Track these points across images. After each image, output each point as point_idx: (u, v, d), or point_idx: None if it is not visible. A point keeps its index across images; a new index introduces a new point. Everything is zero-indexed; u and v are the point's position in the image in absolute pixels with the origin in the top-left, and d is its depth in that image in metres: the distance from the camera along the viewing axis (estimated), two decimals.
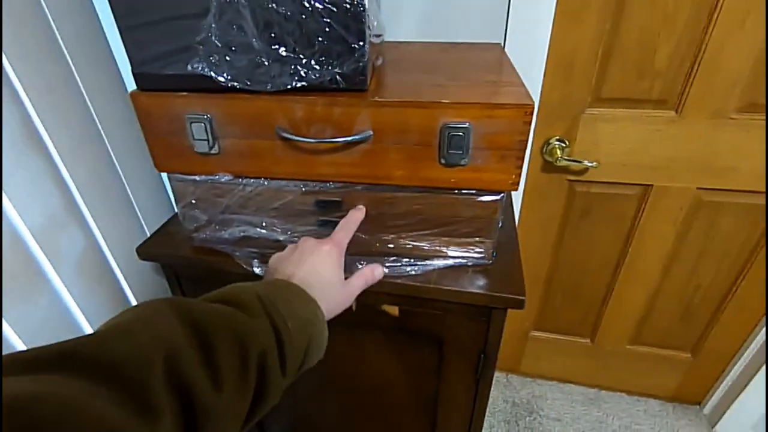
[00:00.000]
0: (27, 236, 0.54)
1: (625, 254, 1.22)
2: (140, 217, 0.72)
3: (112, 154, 0.66)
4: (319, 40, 0.46)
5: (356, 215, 0.55)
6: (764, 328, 1.22)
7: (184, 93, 0.50)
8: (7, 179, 0.51)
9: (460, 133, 0.49)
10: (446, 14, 0.89)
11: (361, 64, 0.48)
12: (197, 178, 0.56)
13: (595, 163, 1.03)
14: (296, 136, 0.50)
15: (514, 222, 0.77)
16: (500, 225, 0.59)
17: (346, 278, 0.49)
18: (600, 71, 0.95)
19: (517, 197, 1.14)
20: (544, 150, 1.08)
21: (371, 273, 0.53)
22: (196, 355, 0.29)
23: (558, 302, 1.37)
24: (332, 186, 0.55)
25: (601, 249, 1.23)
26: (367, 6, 0.46)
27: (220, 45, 0.47)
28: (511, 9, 0.85)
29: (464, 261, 0.61)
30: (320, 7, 0.45)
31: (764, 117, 0.94)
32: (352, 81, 0.49)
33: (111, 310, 0.67)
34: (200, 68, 0.48)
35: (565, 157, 1.03)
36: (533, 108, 0.47)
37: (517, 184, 0.53)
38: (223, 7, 0.45)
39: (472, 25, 0.89)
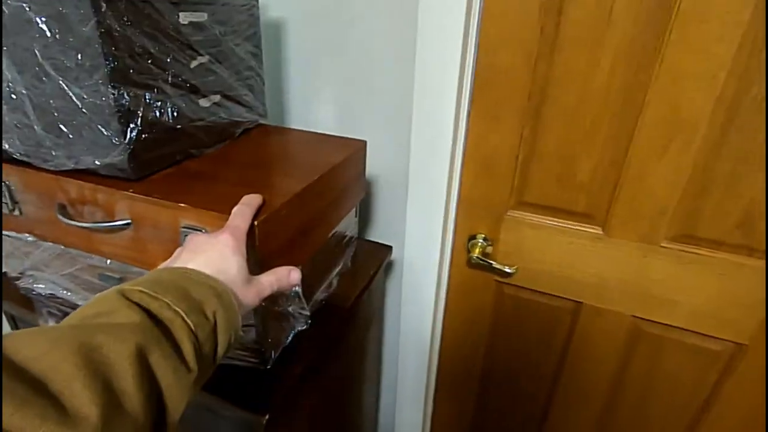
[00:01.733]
0: None
1: (560, 372, 1.09)
2: None
3: None
4: (85, 131, 0.50)
5: (254, 199, 0.47)
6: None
7: None
8: None
9: None
10: (354, 110, 0.91)
11: (122, 157, 0.50)
12: (9, 233, 0.61)
13: (512, 269, 0.95)
14: (64, 215, 0.53)
15: None
16: None
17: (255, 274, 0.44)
18: (521, 175, 0.90)
19: (441, 288, 1.08)
20: (469, 245, 1.02)
21: (287, 275, 0.46)
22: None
23: (495, 405, 1.24)
24: (111, 263, 0.57)
25: (535, 358, 1.11)
26: (129, 106, 0.49)
27: (9, 125, 0.52)
28: (414, 106, 0.85)
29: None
30: (81, 106, 0.48)
31: (700, 251, 0.82)
32: (118, 170, 0.51)
33: None
34: None
35: (479, 257, 0.97)
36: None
37: None
38: (8, 94, 0.50)
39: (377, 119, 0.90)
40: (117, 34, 0.46)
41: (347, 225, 0.78)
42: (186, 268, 0.38)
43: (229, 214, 0.45)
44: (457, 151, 0.90)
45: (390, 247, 0.88)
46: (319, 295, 0.70)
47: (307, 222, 0.57)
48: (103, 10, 0.44)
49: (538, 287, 1.00)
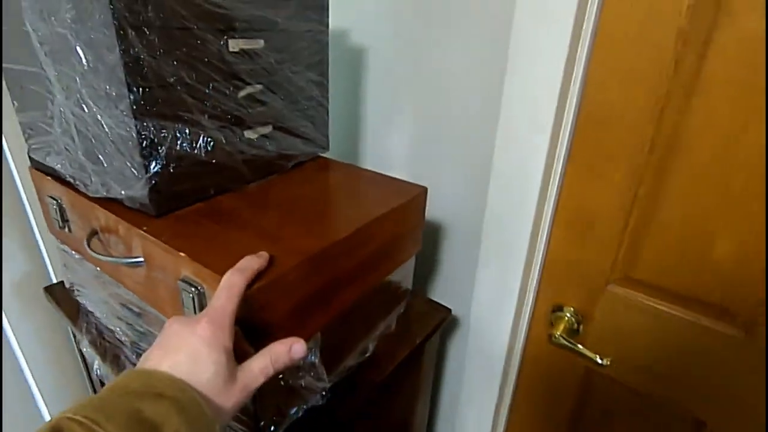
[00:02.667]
0: None
1: None
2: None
3: None
4: (115, 161, 0.47)
5: (252, 262, 0.40)
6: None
7: (48, 177, 0.57)
8: None
9: (191, 292, 0.42)
10: (429, 147, 0.81)
11: (143, 191, 0.47)
12: (63, 247, 0.63)
13: (606, 361, 0.75)
14: (92, 242, 0.51)
15: None
16: None
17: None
18: (631, 244, 0.71)
19: (513, 363, 0.91)
20: (552, 318, 0.84)
21: (286, 352, 0.38)
22: None
23: None
24: (132, 296, 0.54)
25: None
26: (154, 138, 0.45)
27: (61, 146, 0.52)
28: (497, 148, 0.71)
29: None
30: (110, 135, 0.46)
31: None
32: (140, 204, 0.48)
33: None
34: (45, 160, 0.54)
35: (563, 336, 0.78)
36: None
37: None
38: (59, 117, 0.50)
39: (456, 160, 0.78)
40: (145, 63, 0.43)
41: (398, 279, 0.67)
42: (150, 374, 0.32)
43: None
44: (546, 204, 0.74)
45: (448, 310, 0.75)
46: (350, 361, 0.60)
47: (328, 284, 0.48)
48: (129, 37, 0.41)
49: (643, 387, 0.77)
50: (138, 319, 0.56)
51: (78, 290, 0.66)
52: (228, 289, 0.37)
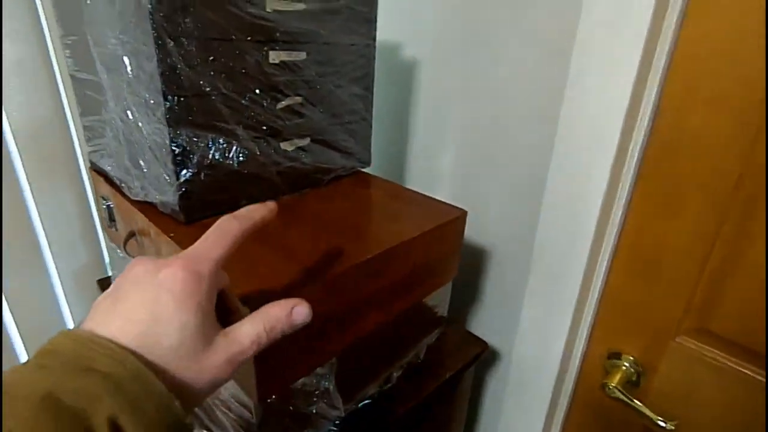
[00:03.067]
0: None
1: None
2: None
3: None
4: (152, 166, 0.49)
5: (256, 212, 0.32)
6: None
7: (102, 178, 0.61)
8: None
9: None
10: (478, 168, 0.76)
11: (174, 197, 0.47)
12: (111, 244, 0.66)
13: (671, 425, 0.65)
14: (129, 244, 0.53)
15: None
16: None
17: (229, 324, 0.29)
18: (710, 290, 0.61)
19: (559, 409, 0.82)
20: (608, 365, 0.75)
21: (283, 316, 0.30)
22: None
23: None
24: None
25: None
26: (186, 146, 0.46)
27: (112, 150, 0.55)
28: (551, 171, 0.65)
29: None
30: (148, 141, 0.47)
31: None
32: (171, 210, 0.49)
33: None
34: (99, 162, 0.57)
35: (619, 388, 0.69)
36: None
37: None
38: (110, 122, 0.53)
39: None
40: (181, 72, 0.43)
41: (431, 306, 0.63)
42: (82, 340, 0.24)
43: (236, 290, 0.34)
44: (606, 236, 0.67)
45: (485, 345, 0.69)
46: (370, 389, 0.56)
47: (347, 307, 0.45)
48: (167, 47, 0.42)
49: None
50: None
51: None
52: (219, 231, 0.29)
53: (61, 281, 0.80)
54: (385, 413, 0.56)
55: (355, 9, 0.58)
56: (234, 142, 0.50)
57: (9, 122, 0.68)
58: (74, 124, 0.74)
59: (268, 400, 0.42)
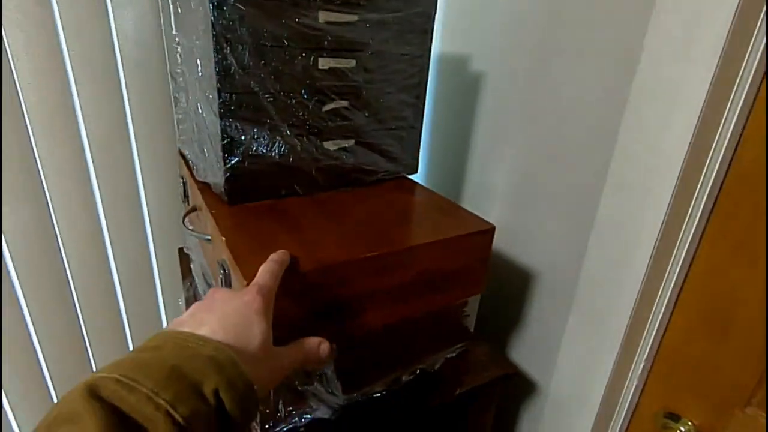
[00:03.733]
0: None
1: None
2: None
3: None
4: (211, 152, 0.57)
5: (281, 255, 0.42)
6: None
7: (183, 159, 0.72)
8: None
9: (221, 274, 0.47)
10: (530, 188, 0.72)
11: (221, 180, 0.55)
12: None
13: None
14: (183, 219, 0.62)
15: None
16: None
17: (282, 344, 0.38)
18: None
19: None
20: (660, 425, 0.66)
21: (316, 349, 0.40)
22: None
23: None
24: (208, 270, 0.63)
25: None
26: (234, 137, 0.53)
27: (188, 136, 0.65)
28: (603, 198, 0.60)
29: None
30: (208, 131, 0.55)
31: None
32: (221, 191, 0.56)
33: None
34: (182, 147, 0.68)
35: None
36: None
37: None
38: (187, 112, 0.63)
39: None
40: (235, 73, 0.50)
41: (453, 320, 0.62)
42: (185, 335, 0.32)
43: (255, 271, 0.40)
44: (664, 277, 0.59)
45: (513, 368, 0.66)
46: (376, 387, 0.58)
47: (349, 298, 0.48)
48: (224, 51, 0.49)
49: None
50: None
51: (190, 255, 0.81)
52: (271, 272, 0.39)
53: (155, 247, 0.96)
54: (386, 413, 0.57)
55: (410, 21, 0.61)
56: (278, 137, 0.56)
57: (131, 110, 0.84)
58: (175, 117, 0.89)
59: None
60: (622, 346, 0.62)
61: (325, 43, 0.55)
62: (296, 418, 0.53)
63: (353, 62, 0.58)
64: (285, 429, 0.52)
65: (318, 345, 0.41)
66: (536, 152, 0.71)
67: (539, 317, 0.75)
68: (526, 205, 0.74)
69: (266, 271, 0.40)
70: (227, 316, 0.34)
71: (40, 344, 0.91)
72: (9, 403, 0.91)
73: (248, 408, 0.31)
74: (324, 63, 0.56)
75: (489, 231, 0.57)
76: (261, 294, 0.36)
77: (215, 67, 0.49)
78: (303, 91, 0.56)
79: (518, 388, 0.80)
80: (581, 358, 0.68)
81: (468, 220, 0.58)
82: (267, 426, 0.51)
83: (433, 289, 0.55)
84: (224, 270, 0.47)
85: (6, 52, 0.72)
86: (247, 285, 0.40)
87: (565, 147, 0.65)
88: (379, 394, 0.58)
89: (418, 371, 0.62)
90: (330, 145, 0.61)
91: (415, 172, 0.73)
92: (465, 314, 0.64)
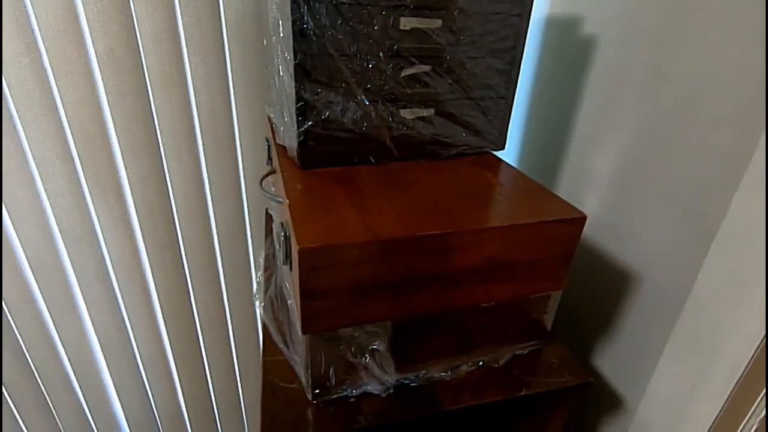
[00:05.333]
0: None
1: None
2: None
3: None
4: (288, 117, 0.57)
5: None
6: None
7: (269, 124, 0.74)
8: None
9: (281, 236, 0.47)
10: (638, 181, 0.61)
11: (294, 143, 0.55)
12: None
13: None
14: (261, 181, 0.64)
15: None
16: None
17: None
18: None
19: None
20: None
21: None
22: None
23: None
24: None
25: None
26: (308, 100, 0.52)
27: (273, 100, 0.67)
28: (732, 206, 0.48)
29: None
30: (285, 94, 0.55)
31: None
32: (294, 155, 0.57)
33: None
34: (268, 111, 0.70)
35: None
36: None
37: None
38: (272, 77, 0.64)
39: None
40: (312, 33, 0.49)
41: (526, 316, 0.57)
42: None
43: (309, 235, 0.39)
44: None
45: (588, 378, 0.58)
46: (432, 372, 0.55)
47: (404, 275, 0.45)
48: (302, 10, 0.47)
49: None
50: (279, 252, 0.67)
51: (273, 216, 0.84)
52: None
53: (248, 207, 1.04)
54: (435, 401, 0.54)
55: None
56: (352, 102, 0.54)
57: (232, 78, 0.89)
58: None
59: (314, 336, 0.46)
60: (738, 387, 0.51)
61: (411, 0, 0.51)
62: (347, 389, 0.52)
63: (439, 22, 0.54)
64: (334, 397, 0.52)
65: None
66: (653, 136, 0.59)
67: (633, 328, 0.65)
68: (631, 197, 0.63)
69: None
70: None
71: (153, 278, 1.05)
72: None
73: None
74: (406, 23, 0.52)
75: (578, 221, 0.49)
76: None
77: (292, 28, 0.48)
78: (381, 54, 0.53)
79: (599, 399, 0.71)
80: (678, 386, 0.57)
81: (554, 206, 0.51)
82: (317, 391, 0.51)
83: (504, 279, 0.50)
84: (285, 233, 0.47)
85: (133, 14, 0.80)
86: (300, 249, 0.40)
87: (692, 133, 0.53)
88: (433, 379, 0.55)
89: (481, 363, 0.57)
90: (407, 113, 0.58)
91: (502, 148, 0.66)
92: (543, 310, 0.57)
